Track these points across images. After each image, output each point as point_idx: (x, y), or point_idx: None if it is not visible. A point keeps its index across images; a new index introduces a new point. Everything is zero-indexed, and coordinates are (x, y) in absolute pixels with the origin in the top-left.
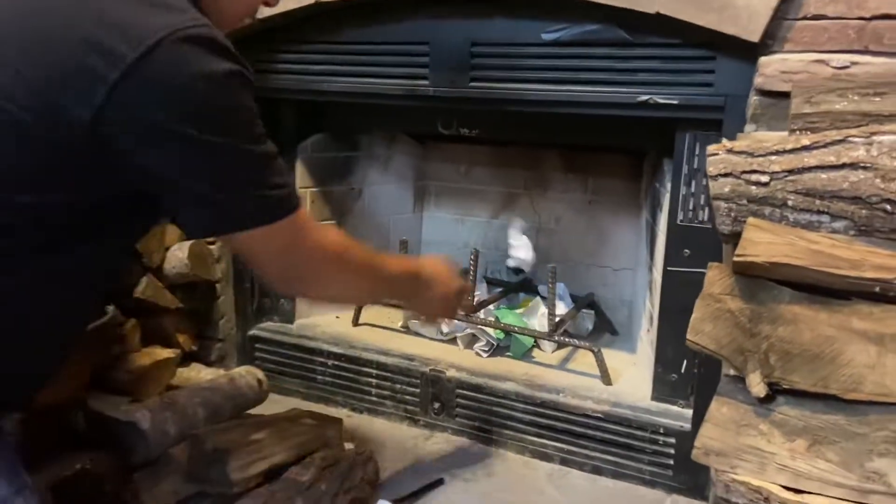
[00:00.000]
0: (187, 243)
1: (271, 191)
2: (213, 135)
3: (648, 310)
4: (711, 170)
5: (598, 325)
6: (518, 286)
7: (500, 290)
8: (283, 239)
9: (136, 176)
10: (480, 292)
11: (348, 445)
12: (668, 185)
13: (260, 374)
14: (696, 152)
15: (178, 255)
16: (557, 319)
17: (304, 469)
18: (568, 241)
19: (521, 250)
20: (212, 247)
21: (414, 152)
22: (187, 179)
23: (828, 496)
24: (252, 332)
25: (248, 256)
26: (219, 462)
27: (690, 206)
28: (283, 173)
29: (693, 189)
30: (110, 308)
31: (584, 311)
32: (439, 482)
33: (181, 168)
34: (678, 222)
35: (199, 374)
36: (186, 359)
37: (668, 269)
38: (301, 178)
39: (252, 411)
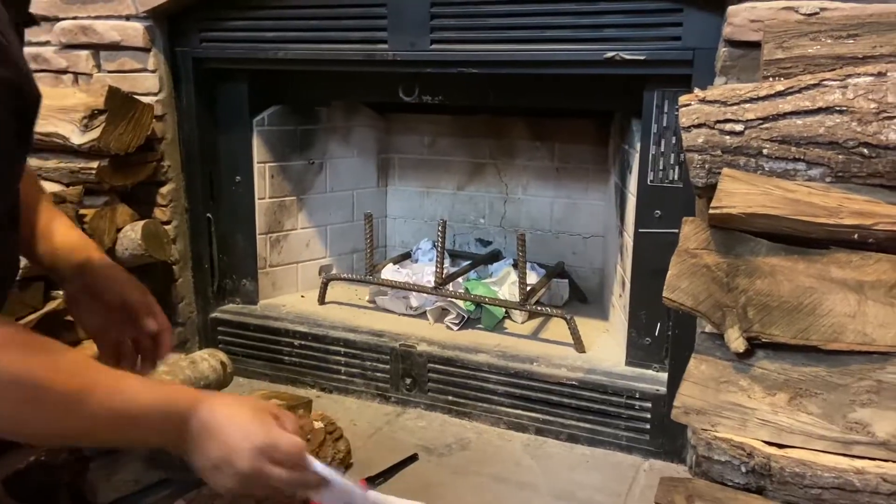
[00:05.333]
0: (140, 223)
1: None
2: None
3: (620, 275)
4: (684, 121)
5: (569, 293)
6: (486, 258)
7: (468, 262)
8: None
9: None
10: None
11: (318, 425)
12: (638, 146)
13: (223, 356)
14: (665, 110)
15: (130, 235)
16: (528, 288)
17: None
18: (536, 210)
19: None
20: (167, 227)
21: (376, 124)
22: None
23: (811, 449)
24: (214, 314)
25: None
26: None
27: (661, 166)
28: None
29: (663, 148)
30: (60, 293)
31: (556, 280)
32: (413, 458)
33: None
34: (648, 183)
35: None
36: None
37: (640, 231)
38: (258, 153)
39: None
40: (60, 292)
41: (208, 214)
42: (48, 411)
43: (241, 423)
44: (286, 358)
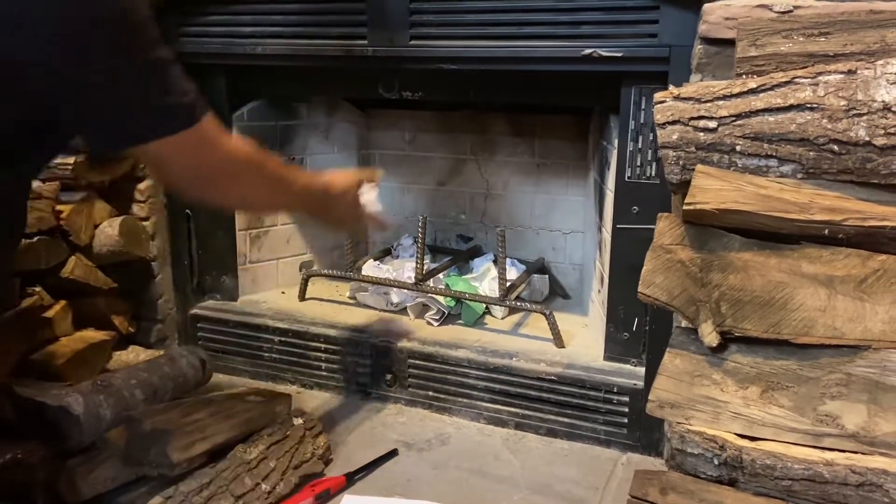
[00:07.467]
0: (118, 219)
1: (175, 98)
2: (115, 42)
3: (599, 270)
4: (659, 117)
5: (549, 289)
6: (467, 254)
7: (448, 258)
8: (192, 147)
9: (36, 91)
10: (427, 261)
11: (297, 421)
12: (616, 142)
13: (202, 353)
14: (643, 106)
15: (108, 231)
16: (509, 284)
17: (250, 446)
18: (517, 206)
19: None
20: (145, 223)
21: (356, 120)
22: (88, 89)
23: (782, 441)
24: (193, 311)
25: (156, 166)
26: (158, 443)
27: (638, 163)
28: (185, 80)
29: (640, 145)
30: (37, 290)
31: (536, 275)
32: (393, 453)
33: (83, 77)
34: (626, 179)
35: (138, 356)
36: (125, 342)
37: (618, 227)
38: None
39: (197, 392)
40: (37, 288)
41: (187, 210)
42: (273, 187)
43: (351, 188)
44: (266, 354)
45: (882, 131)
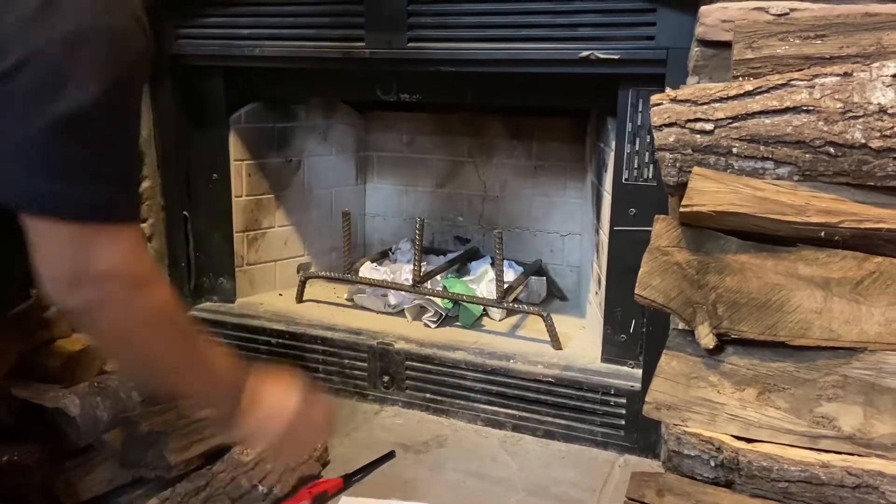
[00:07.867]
0: None
1: (101, 182)
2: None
3: (596, 272)
4: (656, 120)
5: (547, 291)
6: (464, 256)
7: (446, 259)
8: (85, 247)
9: None
10: (427, 263)
11: None
12: (613, 144)
13: None
14: (640, 109)
15: None
16: (506, 286)
17: (247, 448)
18: (514, 208)
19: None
20: (143, 225)
21: (354, 122)
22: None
23: (778, 443)
24: (191, 313)
25: (35, 253)
26: (155, 445)
27: (635, 165)
28: (129, 172)
29: (637, 147)
30: (34, 292)
31: (534, 277)
32: (390, 455)
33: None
34: (623, 181)
35: None
36: None
37: (615, 229)
38: (235, 151)
39: None
40: (35, 290)
41: (185, 213)
42: (177, 348)
43: (285, 406)
44: (263, 357)
45: (878, 133)
